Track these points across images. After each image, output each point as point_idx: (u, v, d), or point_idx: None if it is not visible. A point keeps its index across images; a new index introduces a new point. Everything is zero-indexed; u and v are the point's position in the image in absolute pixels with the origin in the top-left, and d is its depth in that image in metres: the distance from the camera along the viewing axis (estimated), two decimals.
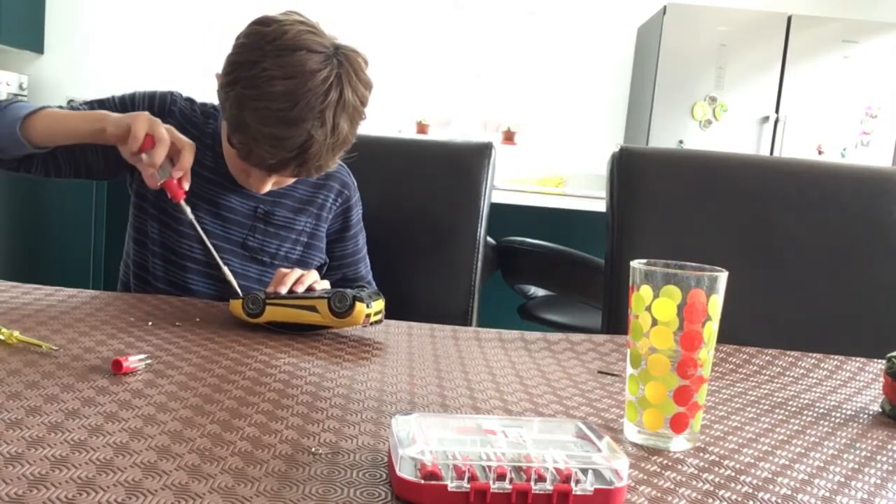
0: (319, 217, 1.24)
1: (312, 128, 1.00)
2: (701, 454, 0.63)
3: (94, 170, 1.17)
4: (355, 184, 1.29)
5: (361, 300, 0.91)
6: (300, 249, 1.23)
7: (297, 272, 1.02)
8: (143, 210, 1.18)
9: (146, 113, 1.02)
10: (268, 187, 1.13)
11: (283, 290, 0.96)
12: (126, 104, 1.18)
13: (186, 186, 1.04)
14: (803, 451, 0.66)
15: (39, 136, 1.06)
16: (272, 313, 0.93)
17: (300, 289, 0.98)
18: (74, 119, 1.06)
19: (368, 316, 0.93)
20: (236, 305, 0.94)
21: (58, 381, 0.68)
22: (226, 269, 1.03)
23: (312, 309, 0.92)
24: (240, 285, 1.02)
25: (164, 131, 1.00)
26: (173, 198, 1.03)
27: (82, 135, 1.05)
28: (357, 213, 1.29)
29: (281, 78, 0.99)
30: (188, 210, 1.04)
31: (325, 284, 1.06)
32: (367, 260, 1.32)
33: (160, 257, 1.17)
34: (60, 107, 1.15)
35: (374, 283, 1.31)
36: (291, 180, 1.17)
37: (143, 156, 1.00)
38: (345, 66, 1.04)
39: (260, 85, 1.00)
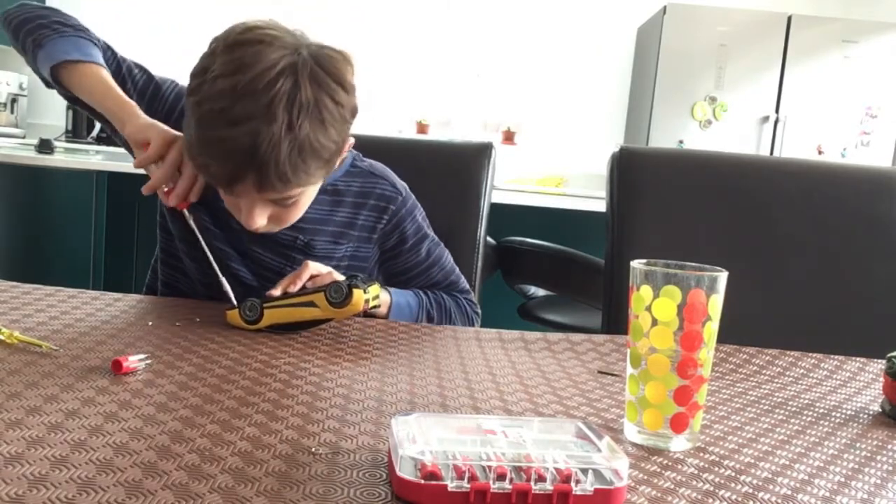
0: (361, 238, 1.14)
1: (260, 125, 0.86)
2: (701, 454, 0.63)
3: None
4: (404, 195, 1.17)
5: (357, 287, 0.91)
6: (342, 272, 1.12)
7: (291, 274, 0.99)
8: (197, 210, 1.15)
9: (166, 132, 0.99)
10: (260, 221, 0.97)
11: (277, 293, 0.94)
12: (157, 92, 1.14)
13: (192, 198, 1.01)
14: (803, 451, 0.66)
15: (74, 86, 1.04)
16: (271, 316, 0.92)
17: (294, 288, 0.97)
18: (104, 98, 1.02)
19: (367, 301, 0.94)
20: (234, 315, 0.93)
21: (58, 381, 0.68)
22: (223, 279, 0.99)
23: (311, 304, 0.92)
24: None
25: (176, 156, 0.97)
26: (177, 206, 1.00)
27: (105, 112, 1.03)
28: (412, 223, 1.17)
29: (225, 75, 0.88)
30: (190, 218, 1.01)
31: (335, 275, 1.00)
32: (443, 264, 1.21)
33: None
34: (110, 52, 1.11)
35: (458, 283, 1.22)
36: (292, 215, 1.02)
37: (153, 166, 0.99)
38: (304, 58, 0.90)
39: (203, 87, 0.89)
